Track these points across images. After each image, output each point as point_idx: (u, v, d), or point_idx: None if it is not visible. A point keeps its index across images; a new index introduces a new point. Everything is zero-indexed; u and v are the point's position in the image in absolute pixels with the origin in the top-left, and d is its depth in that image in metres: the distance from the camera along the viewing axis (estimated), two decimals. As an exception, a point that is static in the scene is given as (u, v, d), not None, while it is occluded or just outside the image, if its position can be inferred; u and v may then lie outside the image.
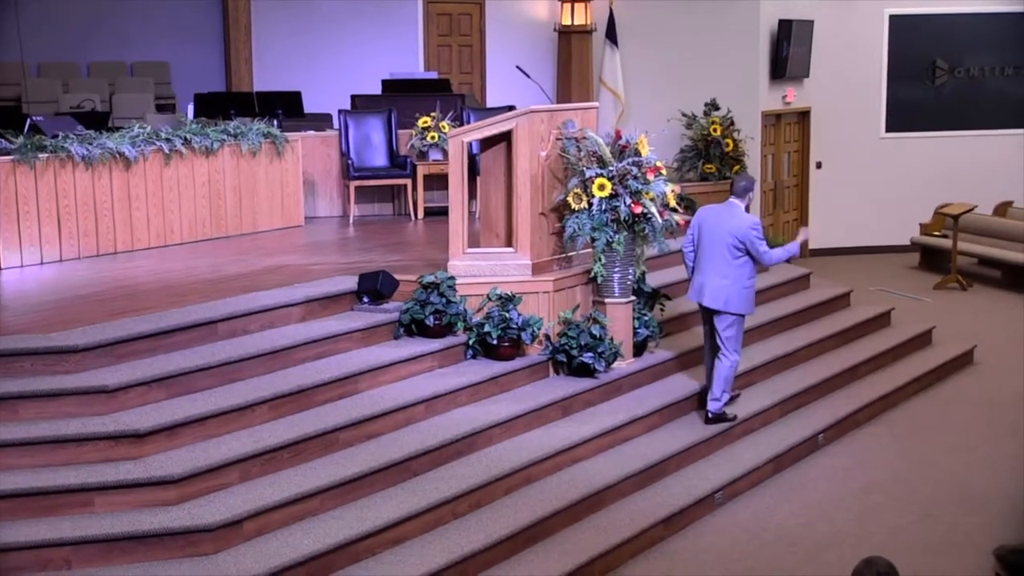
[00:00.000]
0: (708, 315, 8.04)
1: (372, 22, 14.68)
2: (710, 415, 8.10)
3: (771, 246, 8.10)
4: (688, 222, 8.29)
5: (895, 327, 11.02)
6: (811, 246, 15.72)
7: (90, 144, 9.37)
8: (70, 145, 9.23)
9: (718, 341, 7.97)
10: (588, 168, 8.01)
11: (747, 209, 7.97)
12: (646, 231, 8.11)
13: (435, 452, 6.79)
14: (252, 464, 6.22)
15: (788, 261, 8.10)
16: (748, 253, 7.83)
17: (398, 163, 11.62)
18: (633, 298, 8.35)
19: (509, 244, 8.21)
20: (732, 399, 8.27)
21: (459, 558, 6.03)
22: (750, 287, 7.94)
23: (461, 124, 11.17)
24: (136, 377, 6.44)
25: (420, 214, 11.61)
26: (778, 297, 10.47)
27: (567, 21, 15.20)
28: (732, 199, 7.96)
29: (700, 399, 8.33)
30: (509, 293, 7.94)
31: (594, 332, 7.96)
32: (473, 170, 9.37)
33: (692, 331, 9.29)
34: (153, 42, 14.66)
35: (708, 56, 14.76)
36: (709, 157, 14.15)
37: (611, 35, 15.05)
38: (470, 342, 7.88)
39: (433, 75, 13.93)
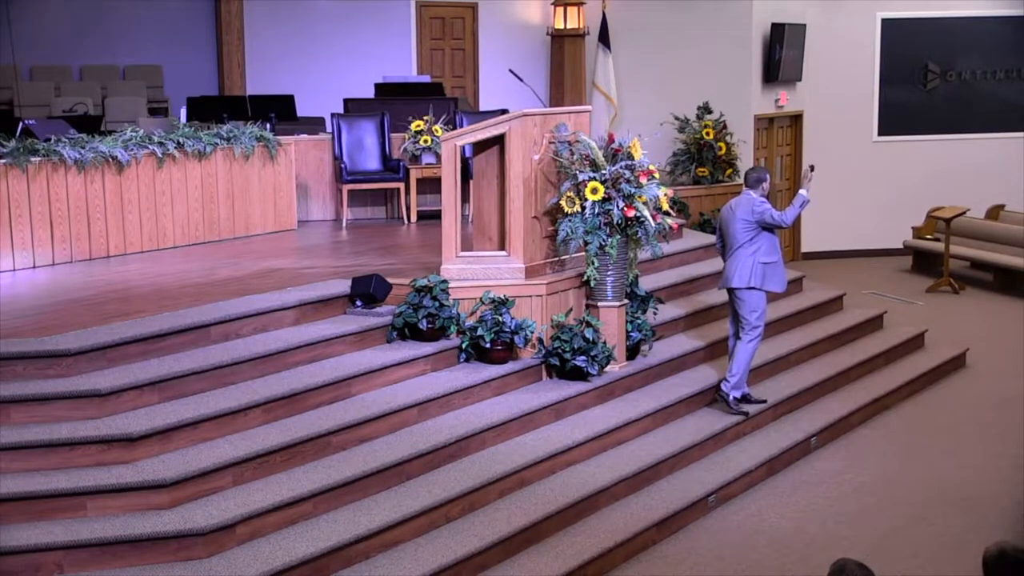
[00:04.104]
0: (732, 300, 8.29)
1: (365, 25, 14.69)
2: (719, 393, 8.36)
3: None
4: (680, 226, 8.39)
5: (888, 330, 11.04)
6: (804, 249, 15.79)
7: (82, 148, 9.36)
8: (62, 149, 9.22)
9: (741, 323, 8.23)
10: (581, 172, 8.01)
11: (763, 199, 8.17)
12: (639, 235, 8.13)
13: (428, 455, 6.79)
14: (245, 468, 6.21)
15: (802, 209, 8.18)
16: (764, 229, 8.08)
17: (391, 167, 11.62)
18: (626, 301, 8.36)
19: (502, 248, 8.22)
20: (753, 401, 8.48)
21: (452, 561, 6.03)
22: (770, 263, 8.12)
23: (454, 128, 11.18)
24: (129, 381, 6.44)
25: (413, 218, 11.61)
26: (771, 300, 10.46)
27: (560, 25, 15.22)
28: (746, 190, 8.19)
29: (705, 398, 8.48)
30: (502, 296, 7.95)
31: (587, 335, 7.96)
32: (466, 174, 9.38)
33: (685, 335, 9.31)
34: (145, 45, 14.64)
35: (701, 60, 14.80)
36: (702, 160, 14.18)
37: (604, 39, 15.08)
38: (463, 345, 7.88)
39: (426, 79, 13.93)
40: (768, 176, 8.27)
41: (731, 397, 8.32)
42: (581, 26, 15.22)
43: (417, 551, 6.11)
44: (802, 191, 8.18)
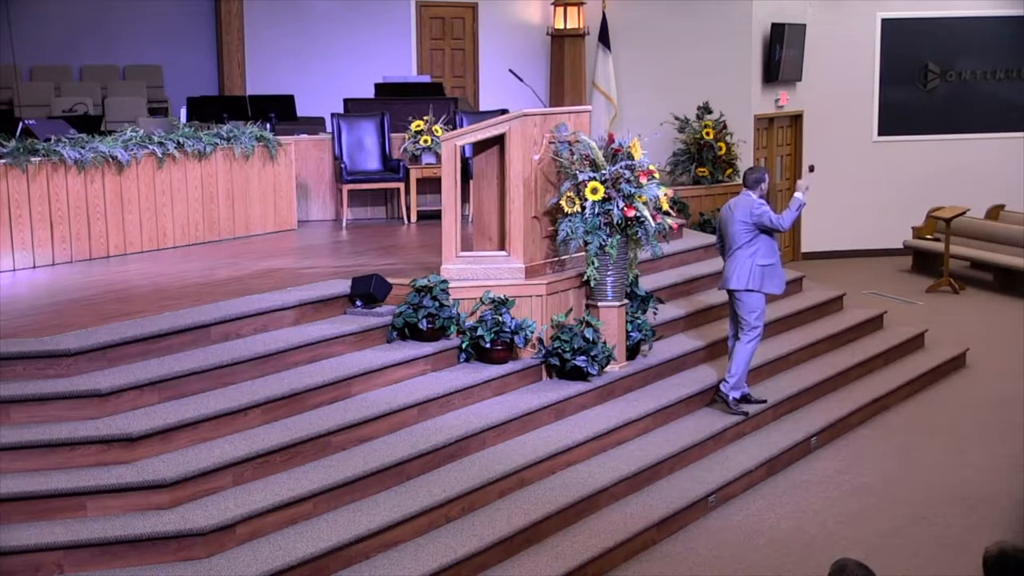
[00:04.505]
0: (731, 300, 8.28)
1: (365, 25, 14.69)
2: (719, 393, 8.37)
3: None
4: (680, 226, 8.39)
5: (888, 330, 11.04)
6: (804, 249, 15.79)
7: (82, 148, 9.36)
8: (62, 149, 9.21)
9: (740, 324, 8.23)
10: (581, 172, 8.01)
11: (761, 199, 8.16)
12: (639, 235, 8.12)
13: (428, 455, 6.79)
14: (245, 468, 6.21)
15: (799, 213, 8.16)
16: (762, 231, 8.08)
17: (391, 167, 11.62)
18: (626, 301, 8.36)
19: (502, 248, 8.22)
20: (753, 401, 8.48)
21: (452, 562, 6.03)
22: (768, 265, 8.12)
23: (454, 128, 11.18)
24: (128, 381, 6.43)
25: (413, 218, 11.61)
26: (771, 300, 10.46)
27: (560, 25, 15.22)
28: (745, 191, 8.18)
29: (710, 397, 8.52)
30: (502, 296, 7.95)
31: (587, 335, 7.96)
32: (466, 174, 9.38)
33: (685, 335, 9.31)
34: (145, 45, 14.65)
35: (701, 60, 14.80)
36: (702, 160, 14.18)
37: (604, 39, 15.08)
38: (463, 345, 7.88)
39: (426, 79, 13.93)
40: (767, 176, 8.27)
41: (731, 397, 8.32)
42: (581, 26, 15.22)
43: (417, 551, 6.11)
44: (797, 194, 8.18)
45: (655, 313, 8.87)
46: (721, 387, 8.38)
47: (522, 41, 15.30)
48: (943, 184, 15.58)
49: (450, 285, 7.96)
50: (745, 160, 14.36)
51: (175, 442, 6.24)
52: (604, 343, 8.07)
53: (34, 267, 9.08)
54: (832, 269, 14.51)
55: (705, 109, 14.38)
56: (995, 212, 15.19)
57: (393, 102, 12.28)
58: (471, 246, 8.47)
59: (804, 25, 15.14)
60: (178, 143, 10.03)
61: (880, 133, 15.92)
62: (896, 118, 15.88)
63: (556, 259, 8.37)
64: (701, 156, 14.19)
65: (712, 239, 9.89)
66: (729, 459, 7.94)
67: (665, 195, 8.25)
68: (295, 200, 11.16)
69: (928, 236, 15.08)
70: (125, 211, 9.68)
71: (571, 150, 8.15)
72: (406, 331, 7.83)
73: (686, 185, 13.95)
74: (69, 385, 6.36)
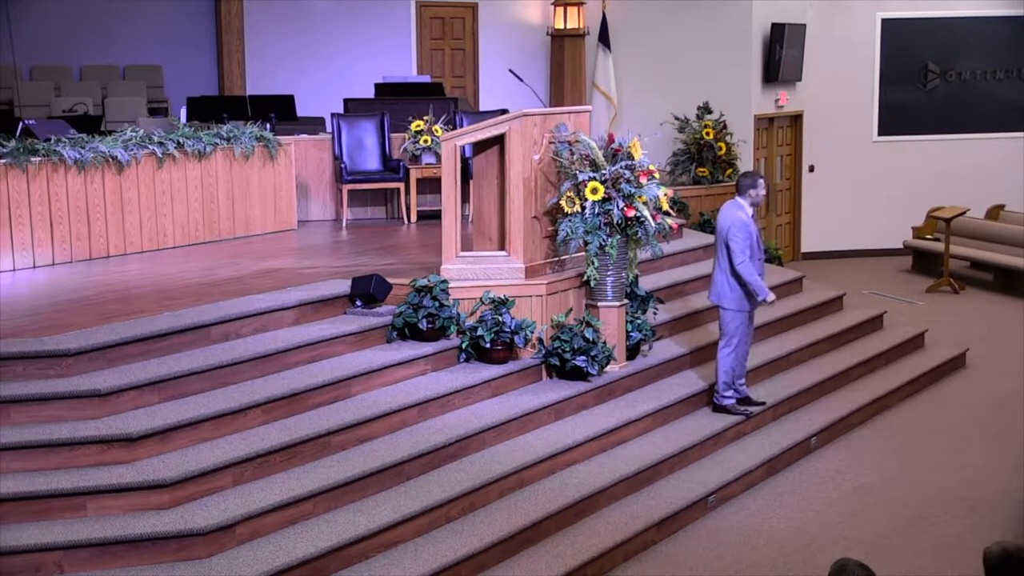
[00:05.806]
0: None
1: (365, 25, 14.69)
2: (715, 405, 8.36)
3: (770, 257, 8.18)
4: (680, 226, 8.35)
5: (888, 330, 11.04)
6: (804, 249, 15.79)
7: (82, 148, 9.36)
8: (62, 149, 9.21)
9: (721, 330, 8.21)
10: (581, 171, 8.01)
11: (754, 205, 8.09)
12: (639, 235, 8.12)
13: (428, 455, 6.79)
14: (245, 468, 6.21)
15: (753, 288, 7.99)
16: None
17: (391, 167, 11.61)
18: (626, 301, 8.36)
19: (502, 247, 8.22)
20: (754, 403, 8.47)
21: (452, 562, 6.03)
22: (743, 284, 8.02)
23: (454, 128, 11.18)
24: (128, 381, 6.44)
25: (413, 218, 11.61)
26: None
27: (560, 25, 15.22)
28: (737, 197, 8.11)
29: (704, 399, 8.46)
30: (502, 296, 7.95)
31: (587, 335, 7.96)
32: (466, 174, 9.38)
33: (685, 335, 9.31)
34: (145, 45, 14.64)
35: (701, 60, 14.80)
36: (702, 160, 14.18)
37: (604, 39, 15.09)
38: (463, 345, 7.88)
39: (426, 79, 13.93)
40: (760, 182, 8.06)
41: (725, 404, 8.30)
42: (581, 26, 15.22)
43: (417, 551, 6.11)
44: (765, 294, 7.99)
45: (655, 313, 8.87)
46: (714, 399, 8.37)
47: (522, 41, 15.30)
48: (943, 184, 15.58)
49: (450, 285, 7.96)
50: (745, 160, 14.36)
51: (175, 442, 6.24)
52: (604, 343, 8.07)
53: (34, 267, 9.08)
54: (832, 269, 14.51)
55: (705, 109, 14.38)
56: (995, 212, 15.20)
57: (393, 102, 12.28)
58: (471, 246, 8.47)
59: (804, 25, 15.14)
60: (178, 143, 10.03)
61: (880, 133, 15.93)
62: (896, 118, 15.88)
63: (556, 259, 8.37)
64: (701, 156, 14.18)
65: (712, 239, 9.87)
66: (729, 459, 7.94)
67: (665, 195, 8.25)
68: (295, 200, 11.16)
69: (928, 236, 15.08)
70: (125, 211, 9.68)
71: (571, 150, 8.15)
72: (406, 331, 7.83)
73: (686, 185, 13.94)
74: (69, 385, 6.36)
